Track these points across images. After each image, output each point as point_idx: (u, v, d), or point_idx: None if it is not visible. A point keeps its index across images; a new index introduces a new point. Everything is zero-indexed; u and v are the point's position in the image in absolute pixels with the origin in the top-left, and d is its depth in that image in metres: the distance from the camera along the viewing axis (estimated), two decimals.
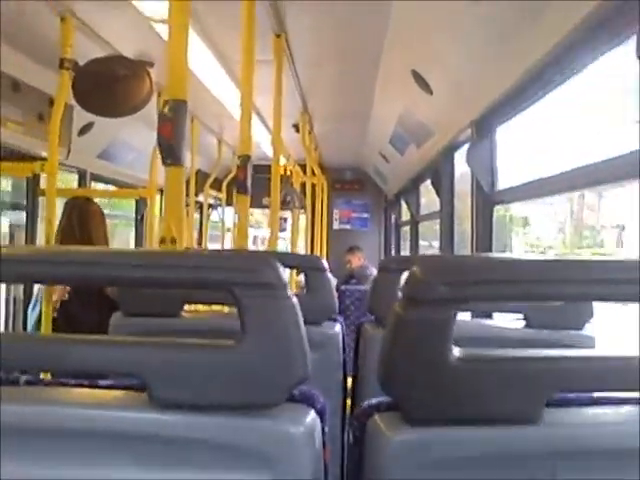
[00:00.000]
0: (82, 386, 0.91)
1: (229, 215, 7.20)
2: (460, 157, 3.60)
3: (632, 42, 1.48)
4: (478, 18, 2.21)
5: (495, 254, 2.61)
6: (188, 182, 5.27)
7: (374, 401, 0.86)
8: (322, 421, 0.87)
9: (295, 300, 0.84)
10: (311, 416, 0.85)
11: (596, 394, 0.85)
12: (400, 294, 0.83)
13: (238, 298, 0.81)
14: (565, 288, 0.78)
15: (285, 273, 0.85)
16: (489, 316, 2.09)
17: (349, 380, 1.90)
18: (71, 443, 0.78)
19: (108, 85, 2.77)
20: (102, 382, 0.90)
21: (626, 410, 0.83)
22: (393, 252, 7.25)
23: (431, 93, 3.25)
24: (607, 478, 0.76)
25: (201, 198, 6.16)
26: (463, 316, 2.31)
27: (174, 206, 1.66)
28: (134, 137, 4.52)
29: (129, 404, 0.83)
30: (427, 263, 0.80)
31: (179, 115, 1.59)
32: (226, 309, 2.10)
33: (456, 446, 0.77)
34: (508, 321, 1.76)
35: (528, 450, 0.77)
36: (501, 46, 2.28)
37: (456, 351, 0.78)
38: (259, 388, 0.80)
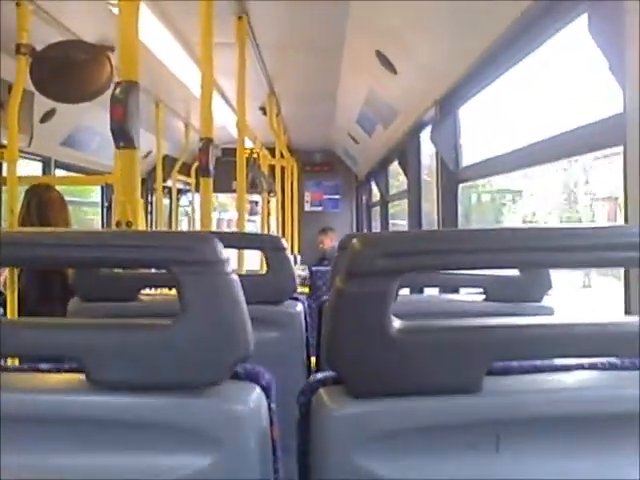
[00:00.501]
0: (22, 370, 0.91)
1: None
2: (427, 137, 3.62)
3: (583, 19, 1.50)
4: None
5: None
6: (155, 168, 5.23)
7: (320, 376, 0.86)
8: (268, 397, 0.87)
9: (235, 276, 0.83)
10: (256, 393, 0.84)
11: (539, 362, 0.86)
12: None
13: (176, 276, 0.80)
14: (495, 255, 0.79)
15: (233, 260, 0.84)
16: (456, 291, 2.12)
17: (314, 360, 1.92)
18: (10, 428, 0.77)
19: (67, 70, 2.73)
20: (42, 366, 0.89)
21: (567, 377, 0.84)
22: (365, 232, 7.28)
23: (395, 73, 3.26)
24: (550, 445, 0.78)
25: (170, 183, 6.12)
26: (430, 292, 2.35)
27: (129, 189, 1.65)
28: (98, 123, 4.44)
29: (68, 387, 0.82)
30: (366, 238, 0.81)
31: (130, 97, 1.59)
32: None
33: (399, 418, 0.77)
34: (469, 295, 1.78)
35: (470, 419, 0.78)
36: (462, 26, 2.30)
37: (396, 323, 0.79)
38: (199, 366, 0.80)
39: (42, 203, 2.90)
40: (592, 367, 0.86)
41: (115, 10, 2.77)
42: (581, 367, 0.86)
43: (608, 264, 0.82)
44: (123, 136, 1.59)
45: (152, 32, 3.13)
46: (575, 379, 0.84)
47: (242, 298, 0.83)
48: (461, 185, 2.91)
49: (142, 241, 0.84)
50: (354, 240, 0.80)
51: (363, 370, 0.78)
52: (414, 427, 0.77)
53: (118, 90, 1.57)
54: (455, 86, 2.71)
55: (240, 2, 2.97)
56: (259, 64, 3.98)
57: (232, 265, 0.85)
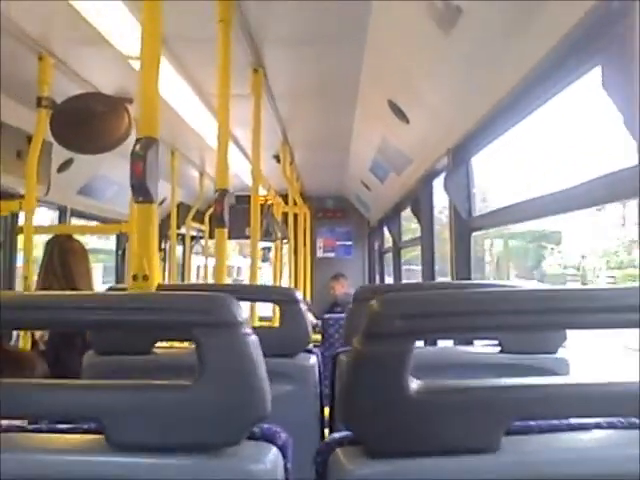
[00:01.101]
0: (40, 431, 0.90)
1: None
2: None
3: (597, 71, 1.52)
4: (451, 48, 2.26)
5: (470, 281, 2.62)
6: (170, 215, 5.28)
7: (337, 436, 0.86)
8: (284, 457, 0.87)
9: (254, 337, 0.83)
10: (272, 453, 0.84)
11: (557, 421, 0.85)
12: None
13: (195, 338, 0.81)
14: (512, 319, 0.79)
15: (245, 308, 0.85)
16: (470, 342, 2.10)
17: (328, 411, 1.90)
18: None
19: (86, 122, 2.79)
20: (60, 426, 0.89)
21: (586, 437, 0.84)
22: (377, 278, 7.26)
23: (408, 122, 3.30)
24: None
25: (183, 230, 6.16)
26: (444, 343, 2.33)
27: (146, 242, 1.66)
28: (114, 172, 4.52)
29: (87, 448, 0.82)
30: (385, 298, 0.81)
31: (150, 152, 1.62)
32: None
33: (417, 478, 0.77)
34: (484, 347, 1.76)
35: (488, 478, 0.77)
36: (475, 76, 2.33)
37: (414, 383, 0.79)
38: (217, 428, 0.80)
39: (64, 252, 2.92)
40: (610, 426, 0.85)
41: (135, 65, 2.86)
42: (599, 426, 0.85)
43: (626, 325, 0.82)
44: (142, 191, 1.61)
45: (170, 84, 3.20)
46: (593, 438, 0.84)
47: (261, 359, 0.84)
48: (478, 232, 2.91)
49: (161, 304, 0.85)
50: (372, 301, 0.81)
51: (380, 430, 0.78)
52: None
53: (138, 147, 1.60)
54: (468, 135, 2.74)
55: (256, 55, 3.04)
56: (274, 113, 4.04)
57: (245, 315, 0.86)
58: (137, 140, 1.61)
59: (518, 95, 2.12)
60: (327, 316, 4.95)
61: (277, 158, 5.10)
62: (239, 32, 2.63)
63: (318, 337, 4.58)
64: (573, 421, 0.86)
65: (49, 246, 2.94)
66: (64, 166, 3.86)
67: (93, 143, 2.90)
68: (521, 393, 0.80)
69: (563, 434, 0.83)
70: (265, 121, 3.53)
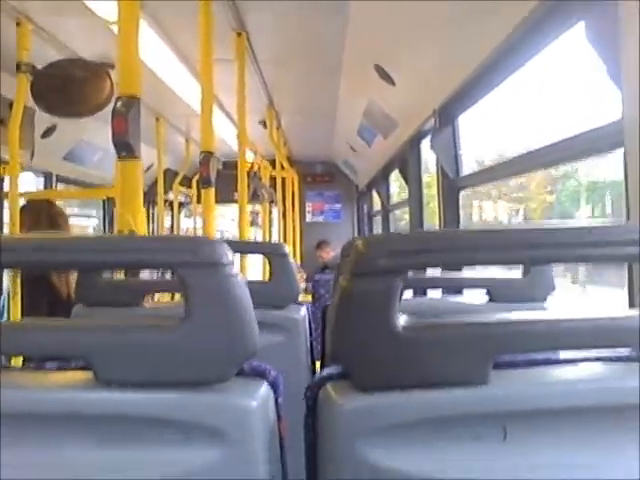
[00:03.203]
0: (28, 369, 0.91)
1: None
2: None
3: (581, 26, 1.52)
4: (436, 9, 2.24)
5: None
6: (156, 181, 5.26)
7: (326, 371, 0.87)
8: (275, 392, 0.88)
9: (240, 278, 0.84)
10: (263, 388, 0.85)
11: (547, 356, 0.87)
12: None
13: (181, 278, 0.81)
14: (497, 253, 0.81)
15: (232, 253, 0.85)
16: (459, 293, 2.12)
17: (319, 365, 1.92)
18: (18, 426, 0.78)
19: (67, 87, 2.75)
20: (49, 364, 0.90)
21: (573, 369, 0.85)
22: None
23: (394, 84, 3.28)
24: (556, 436, 0.78)
25: (171, 196, 6.15)
26: (434, 294, 2.36)
27: (131, 199, 1.66)
28: (99, 138, 4.48)
29: (76, 385, 0.83)
30: (369, 238, 0.82)
31: (132, 110, 1.61)
32: None
33: (406, 410, 0.78)
34: (474, 297, 1.78)
35: (477, 410, 0.78)
36: (458, 36, 2.32)
37: (402, 320, 0.80)
38: (206, 365, 0.81)
39: (51, 216, 2.91)
40: (598, 359, 0.86)
41: (114, 28, 2.81)
42: (587, 360, 0.86)
43: (611, 259, 0.85)
44: (125, 147, 1.61)
45: (152, 49, 3.16)
46: (581, 371, 0.85)
47: (248, 298, 0.84)
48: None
49: (149, 244, 0.86)
50: (358, 241, 0.81)
51: (369, 364, 0.79)
52: (421, 419, 0.78)
53: (119, 104, 1.59)
54: (453, 95, 2.73)
55: (239, 18, 2.99)
56: (259, 78, 4.00)
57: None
58: (118, 98, 1.60)
59: (503, 53, 2.11)
60: (317, 277, 4.99)
61: (264, 124, 5.07)
62: None
63: (309, 298, 4.62)
64: (563, 355, 0.87)
65: (35, 211, 2.91)
66: (48, 132, 3.82)
67: (75, 108, 2.86)
68: (509, 326, 0.82)
69: (553, 367, 0.85)
70: (250, 86, 3.50)
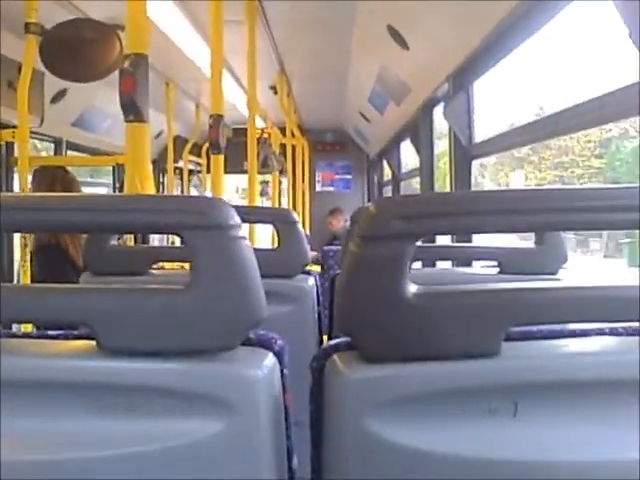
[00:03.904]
0: (31, 337, 0.90)
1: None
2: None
3: None
4: None
5: None
6: (166, 148, 5.23)
7: (334, 342, 0.84)
8: (281, 364, 0.86)
9: (247, 242, 0.82)
10: (269, 359, 0.83)
11: (559, 328, 0.84)
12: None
13: (187, 241, 0.79)
14: (514, 218, 0.77)
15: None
16: (469, 265, 2.10)
17: (326, 338, 1.91)
18: (20, 394, 0.77)
19: (76, 49, 2.72)
20: (51, 332, 0.89)
21: (587, 342, 0.83)
22: None
23: (407, 48, 3.22)
24: (569, 410, 0.76)
25: (181, 164, 6.12)
26: (443, 265, 2.34)
27: (139, 164, 1.64)
28: (109, 104, 4.43)
29: (78, 353, 0.81)
30: (381, 202, 0.79)
31: (140, 69, 1.57)
32: None
33: (414, 382, 0.76)
34: (484, 268, 1.76)
35: (487, 383, 0.76)
36: None
37: (412, 287, 0.77)
38: (211, 332, 0.79)
39: (65, 183, 2.90)
40: (613, 332, 0.84)
41: None
42: (602, 332, 0.84)
43: (622, 226, 0.81)
44: (133, 109, 1.58)
45: (161, 10, 3.11)
46: (595, 344, 0.83)
47: (255, 264, 0.82)
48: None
49: (154, 204, 0.83)
50: (370, 204, 0.78)
51: (378, 334, 0.77)
52: (430, 391, 0.76)
53: (127, 63, 1.55)
54: (468, 61, 2.68)
55: None
56: (269, 42, 3.95)
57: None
58: (125, 57, 1.57)
59: (518, 17, 2.06)
60: (326, 248, 4.98)
61: (274, 89, 5.01)
62: None
63: (318, 268, 4.61)
64: (575, 327, 0.85)
65: (47, 177, 2.90)
66: (57, 97, 3.79)
67: (84, 70, 2.83)
68: (521, 296, 0.79)
69: (565, 340, 0.83)
70: (261, 50, 3.45)
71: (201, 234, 0.79)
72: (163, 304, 0.79)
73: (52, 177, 2.90)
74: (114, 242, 1.70)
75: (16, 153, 2.79)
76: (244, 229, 0.84)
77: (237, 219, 0.81)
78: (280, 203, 6.52)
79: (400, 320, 0.76)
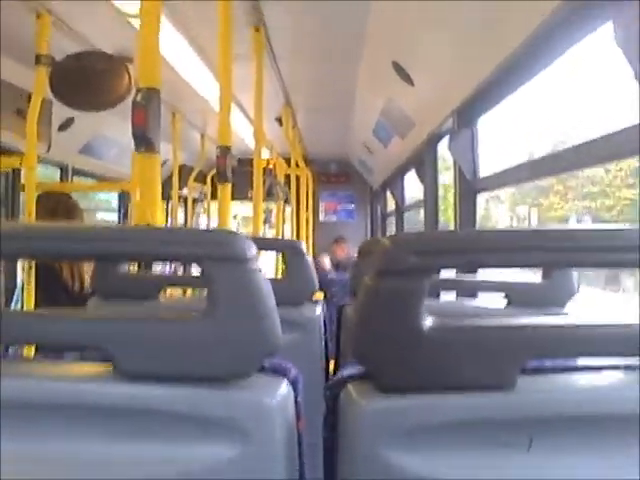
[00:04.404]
0: (46, 360, 0.90)
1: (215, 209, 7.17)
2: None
3: (609, 26, 1.49)
4: (456, 6, 2.22)
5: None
6: (171, 176, 5.27)
7: (348, 371, 0.85)
8: (295, 391, 0.87)
9: (263, 273, 0.84)
10: (283, 386, 0.84)
11: (573, 363, 0.85)
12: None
13: (205, 271, 0.81)
14: (528, 255, 0.79)
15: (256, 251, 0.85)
16: (474, 296, 2.09)
17: (332, 364, 1.91)
18: (36, 417, 0.77)
19: (85, 79, 2.76)
20: (67, 356, 0.89)
21: (603, 376, 0.83)
22: None
23: (412, 84, 3.25)
24: (585, 444, 0.76)
25: (185, 192, 6.15)
26: (448, 297, 2.33)
27: (149, 194, 1.65)
28: (116, 132, 4.50)
29: (94, 376, 0.82)
30: (396, 237, 0.81)
31: (152, 103, 1.60)
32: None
33: (429, 413, 0.77)
34: (491, 300, 1.75)
35: (502, 416, 0.77)
36: (480, 36, 2.29)
37: (428, 320, 0.78)
38: (228, 360, 0.80)
39: (69, 209, 2.91)
40: (628, 367, 0.84)
41: (134, 22, 2.81)
42: (616, 367, 0.84)
43: (625, 265, 0.83)
44: (144, 141, 1.60)
45: (169, 43, 3.15)
46: (610, 379, 0.83)
47: (270, 293, 0.84)
48: None
49: (175, 236, 0.85)
50: (384, 240, 0.80)
51: (394, 365, 0.78)
52: (445, 422, 0.76)
53: (139, 96, 1.58)
54: (473, 96, 2.70)
55: (257, 13, 2.98)
56: (276, 75, 4.00)
57: None
58: (138, 90, 1.59)
59: (525, 54, 2.08)
60: (330, 276, 4.98)
61: (279, 121, 5.06)
62: None
63: (321, 295, 4.61)
64: (589, 362, 0.85)
65: (50, 203, 2.92)
66: (65, 125, 3.83)
67: (93, 100, 2.87)
68: (539, 331, 0.80)
69: (580, 374, 0.83)
70: (267, 83, 3.49)
71: (219, 265, 0.81)
72: (180, 331, 0.80)
73: (55, 202, 2.91)
74: (123, 269, 1.71)
75: (22, 179, 2.81)
76: None
77: (254, 251, 0.83)
78: (283, 232, 6.54)
79: (416, 352, 0.77)
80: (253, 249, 0.83)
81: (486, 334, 0.79)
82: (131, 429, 0.78)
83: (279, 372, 0.87)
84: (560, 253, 0.78)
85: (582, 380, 0.82)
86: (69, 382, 0.80)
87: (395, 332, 0.78)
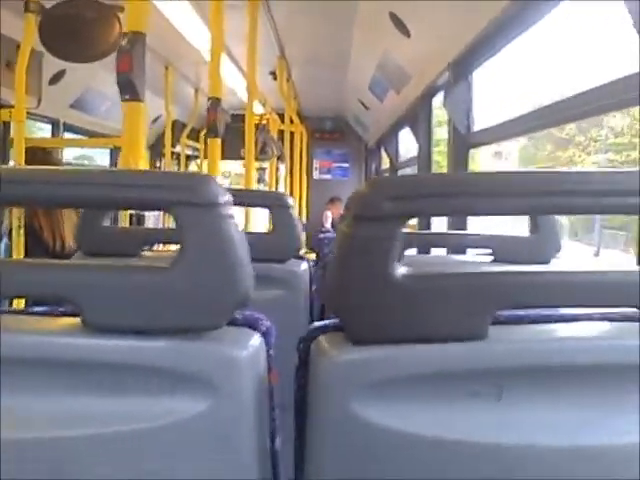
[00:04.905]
0: (15, 313, 0.89)
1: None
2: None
3: None
4: None
5: None
6: (164, 133, 5.21)
7: (321, 323, 0.84)
8: (267, 344, 0.85)
9: (235, 220, 0.80)
10: (255, 338, 0.82)
11: (549, 312, 0.84)
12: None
13: (176, 217, 0.78)
14: (508, 200, 0.76)
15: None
16: (463, 252, 2.10)
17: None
18: (2, 371, 0.75)
19: (76, 29, 2.69)
20: (36, 309, 0.88)
21: (575, 327, 0.82)
22: None
23: (409, 36, 3.20)
24: (554, 395, 0.76)
25: (178, 149, 6.11)
26: (437, 252, 2.33)
27: (134, 142, 1.63)
28: (108, 86, 4.41)
29: (63, 330, 0.80)
30: (374, 181, 0.78)
31: (137, 48, 1.56)
32: None
33: (400, 364, 0.75)
34: (477, 256, 1.75)
35: (473, 366, 0.76)
36: None
37: (401, 269, 0.76)
38: (197, 310, 0.78)
39: (55, 164, 2.88)
40: (603, 318, 0.83)
41: None
42: (590, 318, 0.83)
43: (622, 210, 0.79)
44: (129, 88, 1.57)
45: None
46: (582, 329, 0.82)
47: (243, 243, 0.81)
48: None
49: (143, 181, 0.81)
50: (364, 183, 0.78)
51: (365, 316, 0.76)
52: (415, 374, 0.75)
53: (125, 41, 1.55)
54: (469, 49, 2.66)
55: None
56: (270, 26, 3.92)
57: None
58: (124, 35, 1.56)
59: (520, 6, 2.05)
60: (322, 235, 4.97)
61: (274, 75, 4.99)
62: None
63: (313, 256, 4.62)
64: (565, 312, 0.84)
65: (36, 158, 2.88)
66: (56, 78, 3.77)
67: (83, 51, 2.80)
68: (510, 279, 0.78)
69: (553, 325, 0.82)
70: (261, 35, 3.43)
71: (189, 211, 0.77)
72: (148, 281, 0.77)
73: (29, 158, 2.87)
74: (107, 223, 1.69)
75: (12, 133, 2.78)
76: (239, 213, 0.82)
77: (227, 197, 0.79)
78: (277, 190, 6.51)
79: (387, 301, 0.75)
80: (226, 195, 0.79)
81: (456, 282, 0.77)
82: (98, 383, 0.76)
83: (251, 324, 0.85)
84: (553, 197, 0.75)
85: (554, 330, 0.81)
86: (36, 335, 0.78)
87: (367, 280, 0.76)
